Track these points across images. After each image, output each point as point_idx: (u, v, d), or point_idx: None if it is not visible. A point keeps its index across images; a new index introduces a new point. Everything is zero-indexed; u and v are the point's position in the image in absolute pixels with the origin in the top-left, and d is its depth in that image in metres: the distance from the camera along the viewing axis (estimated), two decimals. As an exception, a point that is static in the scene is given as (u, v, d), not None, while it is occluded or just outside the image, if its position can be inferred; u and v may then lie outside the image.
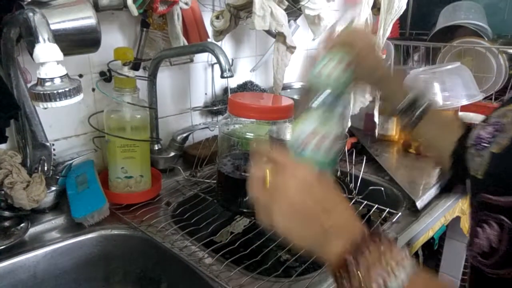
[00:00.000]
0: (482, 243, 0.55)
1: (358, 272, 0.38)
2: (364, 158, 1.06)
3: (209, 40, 1.05)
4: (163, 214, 0.82)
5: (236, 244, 0.73)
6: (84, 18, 0.71)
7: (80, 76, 0.89)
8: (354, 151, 1.06)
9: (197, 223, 0.79)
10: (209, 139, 1.08)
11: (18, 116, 0.74)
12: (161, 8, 0.86)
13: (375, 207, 0.86)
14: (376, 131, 1.13)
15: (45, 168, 0.78)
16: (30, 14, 0.57)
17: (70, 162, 0.85)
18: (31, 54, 0.59)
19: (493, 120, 0.58)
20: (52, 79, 0.57)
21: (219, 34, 1.00)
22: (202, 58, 1.13)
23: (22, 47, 0.78)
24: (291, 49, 1.03)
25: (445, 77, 1.12)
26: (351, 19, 0.64)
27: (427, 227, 0.85)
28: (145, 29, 0.93)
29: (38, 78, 0.57)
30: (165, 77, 1.04)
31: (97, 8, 0.79)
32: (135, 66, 0.93)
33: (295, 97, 1.24)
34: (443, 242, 1.36)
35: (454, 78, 1.20)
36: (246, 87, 1.20)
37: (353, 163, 1.00)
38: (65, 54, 0.58)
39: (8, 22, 0.66)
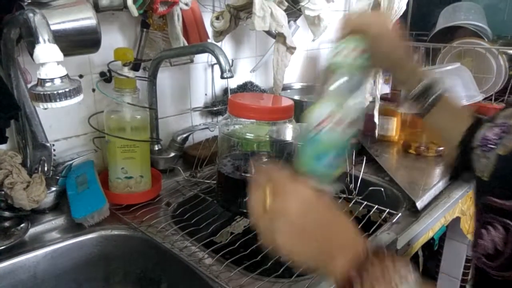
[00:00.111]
0: (486, 245, 0.55)
1: None
2: (364, 158, 1.06)
3: (209, 40, 1.05)
4: (163, 214, 0.82)
5: (236, 245, 0.73)
6: (84, 19, 0.71)
7: (80, 76, 0.89)
8: (354, 151, 1.05)
9: (197, 223, 0.79)
10: (209, 140, 1.08)
11: (18, 117, 0.74)
12: (161, 9, 0.86)
13: (375, 207, 0.86)
14: (376, 131, 1.13)
15: (45, 169, 0.78)
16: (30, 14, 0.57)
17: (70, 162, 0.85)
18: (31, 54, 0.59)
19: (500, 121, 0.57)
20: (52, 80, 0.57)
21: (219, 34, 1.00)
22: (202, 58, 1.13)
23: (22, 48, 0.78)
24: (291, 49, 1.03)
25: (445, 77, 1.12)
26: (368, 2, 0.64)
27: (427, 228, 0.85)
28: (145, 29, 0.93)
29: (38, 79, 0.57)
30: (165, 78, 1.04)
31: (97, 8, 0.79)
32: (135, 67, 0.93)
33: (296, 97, 1.24)
34: (443, 243, 1.36)
35: (454, 78, 1.21)
36: (246, 87, 1.21)
37: (353, 163, 1.00)
38: (65, 55, 0.58)
39: (8, 23, 0.66)
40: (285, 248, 0.43)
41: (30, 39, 0.61)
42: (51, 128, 0.86)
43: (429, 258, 1.35)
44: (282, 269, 0.67)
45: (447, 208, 0.91)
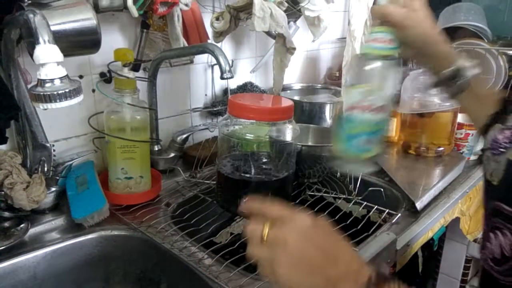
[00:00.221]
0: (494, 249, 0.55)
1: None
2: (364, 159, 1.06)
3: (209, 41, 1.05)
4: (163, 215, 0.82)
5: (236, 245, 0.73)
6: (84, 20, 0.71)
7: (81, 77, 0.89)
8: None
9: (196, 224, 0.79)
10: (209, 140, 1.08)
11: (18, 117, 0.74)
12: (161, 10, 0.86)
13: (375, 208, 0.86)
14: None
15: (45, 169, 0.78)
16: (31, 15, 0.57)
17: (70, 162, 0.85)
18: (31, 55, 0.59)
19: (511, 123, 0.57)
20: (52, 80, 0.57)
21: (219, 35, 1.00)
22: (202, 59, 1.13)
23: (22, 48, 0.78)
24: (291, 50, 1.04)
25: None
26: None
27: (427, 228, 0.85)
28: (145, 30, 0.93)
29: (38, 79, 0.57)
30: (165, 78, 1.04)
31: (97, 9, 0.79)
32: (135, 67, 0.93)
33: (295, 98, 1.24)
34: (443, 243, 1.36)
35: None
36: (246, 88, 1.21)
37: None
38: (65, 55, 0.58)
39: (8, 23, 0.66)
40: (286, 279, 0.42)
41: (30, 39, 0.61)
42: (51, 128, 0.86)
43: (428, 259, 1.35)
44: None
45: (446, 209, 0.91)
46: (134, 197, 0.85)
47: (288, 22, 1.11)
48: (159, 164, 0.99)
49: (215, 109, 1.15)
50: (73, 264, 0.75)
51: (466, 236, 1.16)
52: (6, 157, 0.73)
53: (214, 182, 0.89)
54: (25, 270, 0.70)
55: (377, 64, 0.66)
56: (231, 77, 0.79)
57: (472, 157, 1.15)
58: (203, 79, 1.15)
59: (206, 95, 1.17)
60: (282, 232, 0.42)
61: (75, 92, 0.59)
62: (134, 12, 0.81)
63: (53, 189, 0.81)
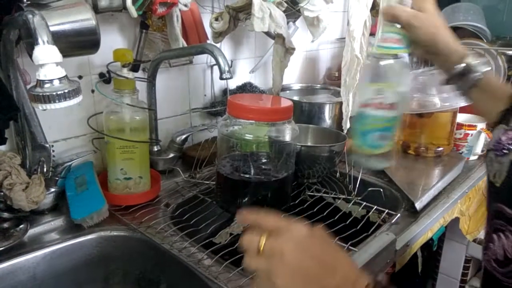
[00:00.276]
0: (497, 250, 0.55)
1: None
2: (363, 159, 1.06)
3: (208, 41, 1.05)
4: (162, 215, 0.82)
5: (236, 245, 0.73)
6: (83, 20, 0.71)
7: (80, 77, 0.89)
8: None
9: (196, 224, 0.79)
10: (208, 141, 1.08)
11: (18, 118, 0.74)
12: (160, 10, 0.86)
13: (374, 208, 0.86)
14: (375, 132, 1.13)
15: (45, 170, 0.78)
16: (30, 16, 0.57)
17: (70, 163, 0.85)
18: (30, 55, 0.59)
19: None
20: (51, 81, 0.57)
21: (218, 35, 1.00)
22: (202, 59, 1.13)
23: (21, 49, 0.78)
24: (290, 50, 1.04)
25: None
26: None
27: (426, 228, 0.85)
28: (144, 30, 0.93)
29: (37, 80, 0.57)
30: (164, 79, 1.04)
31: (96, 9, 0.79)
32: (135, 68, 0.93)
33: (295, 98, 1.24)
34: (442, 243, 1.36)
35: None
36: (245, 88, 1.21)
37: (352, 164, 1.00)
38: (64, 56, 0.58)
39: (7, 24, 0.66)
40: None
41: (29, 40, 0.61)
42: (50, 129, 0.86)
43: (428, 259, 1.35)
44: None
45: (446, 209, 0.91)
46: (133, 198, 0.85)
47: (287, 23, 1.11)
48: (158, 164, 0.99)
49: (214, 109, 1.15)
50: (73, 264, 0.75)
51: (465, 236, 1.17)
52: (5, 157, 0.73)
53: (214, 183, 0.89)
54: (25, 271, 0.70)
55: (388, 63, 0.70)
56: (230, 78, 0.79)
57: (472, 157, 1.15)
58: (203, 80, 1.15)
59: (205, 95, 1.17)
60: (278, 243, 0.43)
61: (74, 92, 0.59)
62: (133, 12, 0.81)
63: (53, 189, 0.81)
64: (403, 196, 0.91)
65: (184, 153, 1.05)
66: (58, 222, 0.79)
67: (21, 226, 0.74)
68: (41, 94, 0.57)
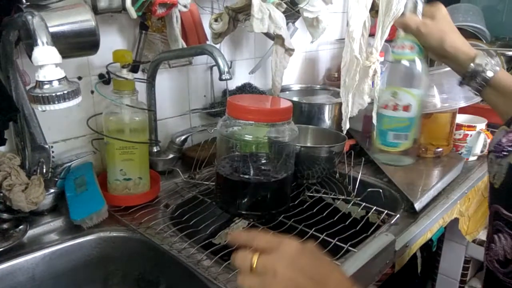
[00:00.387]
0: (498, 251, 0.55)
1: None
2: (363, 160, 1.07)
3: (207, 42, 1.05)
4: (162, 216, 0.82)
5: (235, 246, 0.73)
6: (83, 21, 0.71)
7: (79, 78, 0.89)
8: (353, 153, 1.06)
9: (195, 225, 0.79)
10: (208, 141, 1.08)
11: (17, 119, 0.74)
12: (160, 11, 0.86)
13: (374, 208, 0.86)
14: (375, 133, 1.13)
15: (44, 170, 0.78)
16: (29, 17, 0.57)
17: (69, 164, 0.85)
18: (30, 56, 0.59)
19: None
20: (50, 82, 0.57)
21: (218, 36, 1.00)
22: (201, 60, 1.13)
23: (21, 50, 0.78)
24: (289, 51, 1.04)
25: (443, 79, 1.12)
26: (413, 2, 0.80)
27: (426, 229, 0.85)
28: (144, 31, 0.93)
29: (37, 81, 0.57)
30: (164, 80, 1.05)
31: (96, 10, 0.79)
32: (134, 69, 0.93)
33: (294, 99, 1.24)
34: (442, 244, 1.36)
35: (452, 80, 1.20)
36: (245, 89, 1.21)
37: (352, 165, 1.01)
38: (63, 57, 0.58)
39: (7, 25, 0.66)
40: None
41: (28, 41, 0.61)
42: (49, 130, 0.86)
43: (427, 259, 1.35)
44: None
45: (445, 209, 0.91)
46: (133, 199, 0.85)
47: (287, 23, 1.11)
48: (158, 165, 0.99)
49: (214, 110, 1.15)
50: (72, 265, 0.75)
51: (465, 237, 1.17)
52: (5, 158, 0.73)
53: (213, 183, 0.89)
54: (24, 272, 0.70)
55: (403, 67, 0.81)
56: (230, 78, 0.79)
57: (471, 158, 1.15)
58: (202, 80, 1.16)
59: (205, 96, 1.17)
60: (270, 260, 0.44)
61: (74, 93, 0.59)
62: (133, 13, 0.81)
63: (52, 190, 0.81)
64: (403, 197, 0.91)
65: (183, 153, 1.05)
66: (58, 223, 0.79)
67: (20, 227, 0.74)
68: (40, 95, 0.57)
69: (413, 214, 0.86)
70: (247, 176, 0.76)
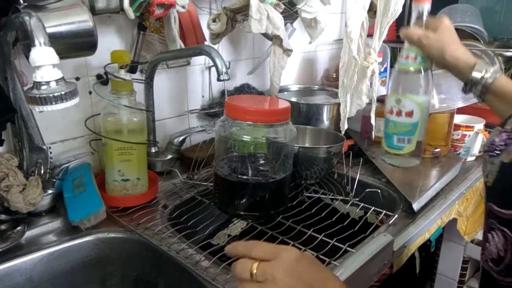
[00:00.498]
0: (492, 250, 0.55)
1: None
2: (361, 160, 1.07)
3: (206, 43, 1.05)
4: (160, 217, 0.82)
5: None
6: (81, 22, 0.71)
7: (77, 79, 0.89)
8: (351, 153, 1.06)
9: (194, 225, 0.79)
10: (206, 142, 1.08)
11: (15, 119, 0.74)
12: (158, 11, 0.86)
13: (372, 209, 0.86)
14: (373, 133, 1.13)
15: (42, 171, 0.78)
16: (26, 17, 0.57)
17: (67, 165, 0.85)
18: (27, 57, 0.59)
19: (509, 126, 0.58)
20: (48, 83, 0.57)
21: (216, 37, 1.00)
22: (199, 61, 1.13)
23: (18, 50, 0.78)
24: (287, 52, 1.04)
25: (441, 79, 1.12)
26: (418, 15, 0.84)
27: (424, 229, 0.85)
28: (142, 32, 0.93)
29: (34, 82, 0.57)
30: (162, 80, 1.04)
31: (93, 11, 0.79)
32: (132, 69, 0.93)
33: (292, 99, 1.24)
34: (440, 244, 1.36)
35: (450, 80, 1.21)
36: (243, 90, 1.21)
37: (350, 165, 1.01)
38: (61, 58, 0.58)
39: (4, 26, 0.66)
40: None
41: (26, 42, 0.61)
42: (47, 130, 0.86)
43: (426, 260, 1.35)
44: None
45: (443, 210, 0.91)
46: (131, 199, 0.85)
47: (285, 24, 1.11)
48: (156, 166, 0.99)
49: (212, 110, 1.15)
50: (70, 266, 0.75)
51: (463, 237, 1.17)
52: (3, 159, 0.73)
53: (212, 184, 0.89)
54: (22, 273, 0.70)
55: (407, 76, 0.86)
56: (228, 79, 0.79)
57: (469, 158, 1.15)
58: (200, 81, 1.15)
59: (203, 96, 1.17)
60: (270, 268, 0.45)
61: (71, 94, 0.59)
62: (131, 14, 0.81)
63: (50, 191, 0.81)
64: (401, 197, 0.91)
65: (182, 154, 1.04)
66: (56, 224, 0.79)
67: (18, 228, 0.74)
68: (38, 95, 0.57)
69: (411, 215, 0.86)
70: (245, 177, 0.76)
